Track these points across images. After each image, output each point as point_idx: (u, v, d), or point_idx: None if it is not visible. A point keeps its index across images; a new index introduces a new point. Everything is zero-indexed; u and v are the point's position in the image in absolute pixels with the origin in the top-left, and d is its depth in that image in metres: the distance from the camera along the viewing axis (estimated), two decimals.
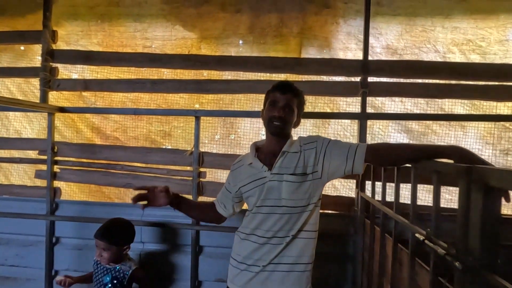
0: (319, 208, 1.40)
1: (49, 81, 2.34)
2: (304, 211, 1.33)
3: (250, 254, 1.35)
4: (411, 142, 2.19)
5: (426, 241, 1.01)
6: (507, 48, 2.11)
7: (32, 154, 2.51)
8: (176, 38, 2.37)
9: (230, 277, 1.42)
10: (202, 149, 2.27)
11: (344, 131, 2.26)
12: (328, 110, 2.26)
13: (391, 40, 2.21)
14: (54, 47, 2.40)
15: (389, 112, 2.19)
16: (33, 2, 2.42)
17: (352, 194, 2.20)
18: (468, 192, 0.79)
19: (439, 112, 2.15)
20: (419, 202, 1.30)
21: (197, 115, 2.17)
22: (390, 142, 2.10)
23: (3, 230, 2.41)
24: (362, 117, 2.08)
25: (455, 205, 2.04)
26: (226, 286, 1.44)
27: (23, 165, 2.53)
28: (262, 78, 2.25)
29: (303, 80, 2.24)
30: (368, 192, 1.99)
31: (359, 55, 2.17)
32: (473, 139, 2.13)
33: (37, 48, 2.48)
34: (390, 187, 1.82)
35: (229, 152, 2.31)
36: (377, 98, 2.20)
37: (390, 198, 1.54)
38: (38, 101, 2.35)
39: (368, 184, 2.01)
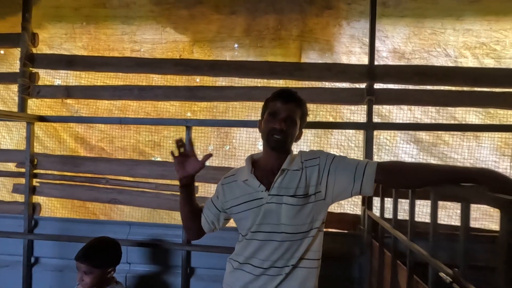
0: (322, 233, 1.25)
1: (28, 88, 2.20)
2: (305, 237, 1.19)
3: (244, 286, 1.20)
4: (421, 153, 2.06)
5: (454, 285, 0.83)
6: None
7: (12, 166, 2.35)
8: (167, 42, 2.27)
9: None
10: None
11: (348, 141, 2.14)
12: (331, 119, 2.15)
13: (398, 43, 2.11)
14: (34, 51, 2.27)
15: (397, 121, 2.08)
16: (13, 2, 2.28)
17: (358, 210, 2.04)
18: None
19: (451, 121, 2.05)
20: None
21: (188, 124, 2.02)
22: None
23: None
24: (369, 127, 1.95)
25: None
26: None
27: (1, 178, 2.38)
28: (259, 85, 2.16)
29: (304, 86, 2.14)
30: (376, 209, 1.83)
31: (364, 60, 2.07)
32: (488, 150, 2.02)
33: (18, 52, 2.32)
34: (401, 202, 1.67)
35: (223, 165, 2.19)
36: (384, 106, 2.09)
37: (401, 215, 1.38)
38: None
39: (376, 199, 1.84)
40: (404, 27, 2.09)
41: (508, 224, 0.66)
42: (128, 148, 2.30)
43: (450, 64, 2.05)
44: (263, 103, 1.29)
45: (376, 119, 2.04)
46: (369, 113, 1.97)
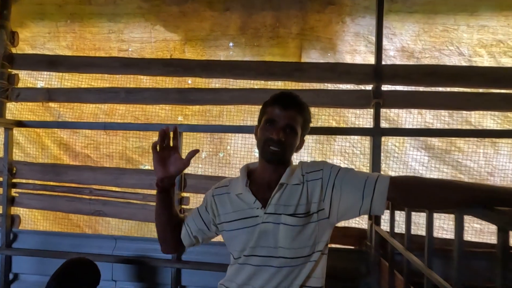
0: (326, 257, 1.10)
1: (7, 90, 2.06)
2: (307, 262, 1.05)
3: None
4: (432, 161, 1.93)
5: None
6: None
7: None
8: (156, 40, 2.15)
9: None
10: (184, 170, 1.97)
11: (353, 148, 2.02)
12: (334, 124, 2.03)
13: (407, 41, 2.00)
14: (14, 50, 2.14)
15: (406, 126, 1.97)
16: None
17: (364, 224, 1.91)
18: None
19: (465, 126, 1.95)
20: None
21: (179, 130, 1.85)
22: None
23: None
24: (376, 133, 1.82)
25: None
26: None
27: None
28: (256, 87, 2.05)
29: (304, 88, 2.03)
30: (384, 222, 1.68)
31: (370, 59, 1.96)
32: (506, 158, 1.91)
33: None
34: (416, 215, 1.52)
35: (217, 174, 2.06)
36: (392, 109, 1.97)
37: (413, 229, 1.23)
38: None
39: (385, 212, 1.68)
40: (414, 24, 1.98)
41: None
42: (115, 155, 2.17)
43: (464, 64, 1.96)
44: (260, 106, 1.15)
45: (383, 124, 1.92)
46: (376, 118, 1.84)
